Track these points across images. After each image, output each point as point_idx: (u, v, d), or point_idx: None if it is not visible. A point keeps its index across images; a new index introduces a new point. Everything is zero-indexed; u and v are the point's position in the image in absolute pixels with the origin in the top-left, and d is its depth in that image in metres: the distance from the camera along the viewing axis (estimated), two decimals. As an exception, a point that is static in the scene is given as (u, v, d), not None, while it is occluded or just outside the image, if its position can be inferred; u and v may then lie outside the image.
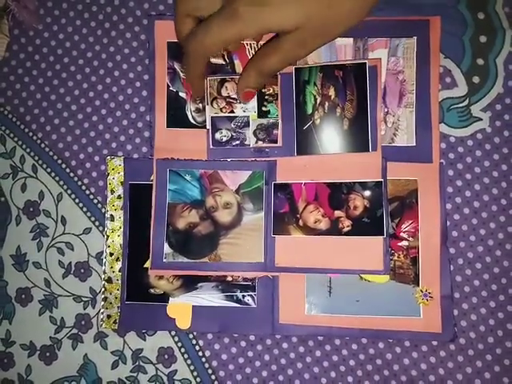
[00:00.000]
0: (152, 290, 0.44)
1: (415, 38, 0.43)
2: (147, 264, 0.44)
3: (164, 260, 0.44)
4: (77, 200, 0.46)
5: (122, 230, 0.45)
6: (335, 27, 0.37)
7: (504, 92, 0.44)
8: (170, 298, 0.44)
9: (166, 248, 0.44)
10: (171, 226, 0.44)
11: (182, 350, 0.44)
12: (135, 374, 0.44)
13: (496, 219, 0.43)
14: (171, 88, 0.45)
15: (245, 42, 0.44)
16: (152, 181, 0.44)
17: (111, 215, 0.45)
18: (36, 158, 0.46)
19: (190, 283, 0.44)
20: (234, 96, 0.44)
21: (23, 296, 0.45)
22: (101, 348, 0.44)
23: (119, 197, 0.45)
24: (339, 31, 0.38)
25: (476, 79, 0.44)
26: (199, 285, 0.44)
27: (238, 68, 0.45)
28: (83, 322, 0.45)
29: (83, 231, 0.45)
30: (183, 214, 0.44)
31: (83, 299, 0.45)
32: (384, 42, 0.44)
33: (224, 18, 0.36)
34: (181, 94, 0.45)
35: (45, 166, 0.46)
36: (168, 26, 0.45)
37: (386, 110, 0.44)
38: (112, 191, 0.45)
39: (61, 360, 0.45)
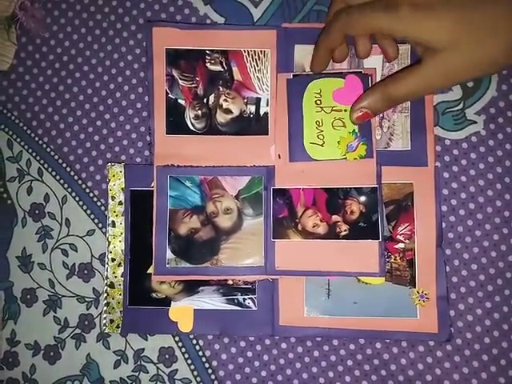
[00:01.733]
0: (154, 295, 0.45)
1: (409, 44, 0.44)
2: (150, 270, 0.45)
3: (167, 266, 0.45)
4: (81, 202, 0.47)
5: (123, 235, 0.46)
6: (488, 64, 0.34)
7: (498, 96, 0.44)
8: (172, 302, 0.45)
9: (169, 254, 0.45)
10: (173, 231, 0.45)
11: (183, 349, 0.45)
12: (137, 374, 0.45)
13: (491, 221, 0.43)
14: (170, 95, 0.46)
15: (242, 49, 0.46)
16: (153, 187, 0.45)
17: (112, 221, 0.46)
18: (42, 161, 0.47)
19: (191, 287, 0.45)
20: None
21: (28, 296, 0.46)
22: (103, 348, 0.45)
23: (120, 203, 0.46)
24: (492, 71, 0.36)
25: (470, 83, 0.45)
26: (200, 288, 0.45)
27: (236, 75, 0.46)
28: (86, 322, 0.46)
29: (87, 233, 0.46)
30: (184, 219, 0.45)
31: (86, 300, 0.46)
32: (378, 47, 0.45)
33: (383, 8, 0.35)
34: (180, 100, 0.46)
35: (50, 169, 0.47)
36: (166, 32, 0.46)
37: (381, 115, 0.45)
38: (113, 197, 0.46)
39: (64, 359, 0.45)
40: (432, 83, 0.36)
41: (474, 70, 0.35)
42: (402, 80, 0.37)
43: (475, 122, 0.44)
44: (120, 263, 0.45)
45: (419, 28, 0.34)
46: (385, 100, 0.38)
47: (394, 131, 0.44)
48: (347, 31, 0.39)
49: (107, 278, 0.45)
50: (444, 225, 0.44)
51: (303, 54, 0.45)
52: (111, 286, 0.45)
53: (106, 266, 0.45)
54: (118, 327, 0.45)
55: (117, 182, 0.46)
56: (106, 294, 0.45)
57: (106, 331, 0.45)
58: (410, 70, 0.36)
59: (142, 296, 0.45)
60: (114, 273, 0.45)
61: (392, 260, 0.43)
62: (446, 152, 0.44)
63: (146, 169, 0.46)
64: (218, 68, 0.46)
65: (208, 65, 0.46)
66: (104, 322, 0.45)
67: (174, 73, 0.46)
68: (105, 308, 0.45)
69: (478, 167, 0.44)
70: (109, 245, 0.45)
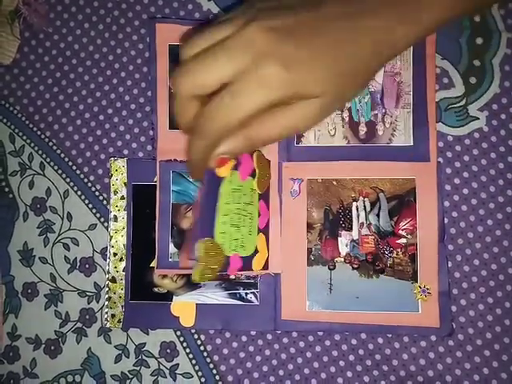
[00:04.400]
0: (156, 289, 0.45)
1: None
2: (153, 264, 0.45)
3: (169, 259, 0.45)
4: (83, 197, 0.47)
5: (125, 230, 0.46)
6: (353, 93, 0.37)
7: (500, 92, 0.44)
8: (174, 297, 0.45)
9: (171, 248, 0.45)
10: (175, 226, 0.45)
11: (184, 344, 0.44)
12: (138, 368, 0.45)
13: (493, 216, 0.43)
14: (173, 90, 0.46)
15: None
16: (155, 182, 0.45)
17: (114, 216, 0.46)
18: (44, 156, 0.47)
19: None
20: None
21: (29, 290, 0.46)
22: (104, 342, 0.45)
23: (122, 197, 0.46)
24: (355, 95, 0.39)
25: (473, 80, 0.45)
26: (202, 283, 0.45)
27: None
28: (87, 317, 0.45)
29: (88, 227, 0.46)
30: (187, 214, 0.45)
31: (88, 294, 0.46)
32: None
33: (252, 86, 0.31)
34: (182, 96, 0.46)
35: (52, 163, 0.47)
36: (169, 29, 0.46)
37: (383, 110, 0.45)
38: (115, 192, 0.46)
39: (65, 353, 0.45)
40: (308, 123, 0.35)
41: (343, 101, 0.38)
42: (274, 122, 0.34)
43: (478, 119, 0.45)
44: (122, 258, 0.45)
45: (298, 85, 0.32)
46: (250, 144, 0.35)
47: (396, 127, 0.44)
48: (230, 124, 0.33)
49: (109, 272, 0.45)
50: (446, 220, 0.44)
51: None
52: (113, 280, 0.45)
53: (108, 260, 0.45)
54: (119, 322, 0.44)
55: (119, 177, 0.46)
56: (107, 289, 0.45)
57: (108, 326, 0.44)
58: (283, 111, 0.34)
59: (143, 291, 0.45)
60: (115, 267, 0.45)
61: (394, 255, 0.43)
62: (448, 148, 0.44)
63: (148, 163, 0.46)
64: None
65: None
66: (105, 316, 0.45)
67: (178, 69, 0.46)
68: (106, 303, 0.45)
69: (480, 163, 0.44)
70: (111, 239, 0.45)
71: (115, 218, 0.46)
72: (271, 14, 0.32)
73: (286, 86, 0.32)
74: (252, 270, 0.43)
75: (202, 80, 0.32)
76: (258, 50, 0.31)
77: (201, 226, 0.39)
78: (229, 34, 0.32)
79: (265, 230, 0.44)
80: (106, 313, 0.45)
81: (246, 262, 0.42)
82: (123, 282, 0.45)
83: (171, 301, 0.45)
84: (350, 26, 0.33)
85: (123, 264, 0.45)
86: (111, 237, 0.45)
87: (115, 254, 0.45)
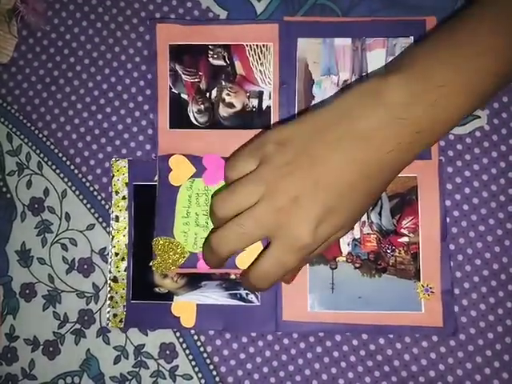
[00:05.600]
0: (157, 289, 0.45)
1: (412, 37, 0.44)
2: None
3: None
4: (81, 196, 0.46)
5: (126, 230, 0.45)
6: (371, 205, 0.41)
7: (502, 91, 0.44)
8: (175, 297, 0.44)
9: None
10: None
11: (184, 345, 0.44)
12: (137, 370, 0.44)
13: (495, 215, 0.43)
14: (173, 90, 0.46)
15: (244, 43, 0.46)
16: (156, 181, 0.45)
17: (116, 216, 0.45)
18: (41, 155, 0.47)
19: (194, 282, 0.44)
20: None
21: (27, 291, 0.46)
22: (103, 343, 0.45)
23: (124, 198, 0.46)
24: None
25: (474, 78, 0.45)
26: (203, 283, 0.44)
27: (239, 69, 0.46)
28: (86, 318, 0.45)
29: (87, 227, 0.46)
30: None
31: (86, 295, 0.45)
32: (382, 41, 0.45)
33: (289, 250, 0.35)
34: (183, 95, 0.46)
35: (50, 163, 0.47)
36: (169, 29, 0.46)
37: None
38: (117, 192, 0.46)
39: (64, 355, 0.45)
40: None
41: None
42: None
43: (479, 117, 0.44)
44: (123, 257, 0.45)
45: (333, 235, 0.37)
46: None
47: (397, 125, 0.44)
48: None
49: (110, 272, 0.45)
50: (448, 220, 0.43)
51: (306, 48, 0.45)
52: (115, 280, 0.45)
53: (110, 260, 0.45)
54: (121, 322, 0.44)
55: (121, 177, 0.46)
56: (109, 288, 0.45)
57: (110, 326, 0.44)
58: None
59: (145, 290, 0.45)
60: (117, 267, 0.45)
61: (396, 254, 0.43)
62: (449, 147, 0.44)
63: (149, 164, 0.46)
64: (221, 62, 0.46)
65: (211, 59, 0.46)
66: (107, 316, 0.44)
67: (178, 68, 0.46)
68: (108, 302, 0.44)
69: (481, 162, 0.44)
70: (112, 239, 0.45)
71: (117, 218, 0.45)
72: (293, 180, 0.35)
73: (316, 243, 0.35)
74: (237, 267, 0.42)
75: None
76: (286, 217, 0.35)
77: (158, 227, 0.44)
78: (256, 198, 0.36)
79: None
80: (108, 312, 0.44)
81: None
82: (125, 281, 0.45)
83: (172, 301, 0.44)
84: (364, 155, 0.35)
85: (125, 264, 0.45)
86: (113, 237, 0.45)
87: (117, 254, 0.45)
